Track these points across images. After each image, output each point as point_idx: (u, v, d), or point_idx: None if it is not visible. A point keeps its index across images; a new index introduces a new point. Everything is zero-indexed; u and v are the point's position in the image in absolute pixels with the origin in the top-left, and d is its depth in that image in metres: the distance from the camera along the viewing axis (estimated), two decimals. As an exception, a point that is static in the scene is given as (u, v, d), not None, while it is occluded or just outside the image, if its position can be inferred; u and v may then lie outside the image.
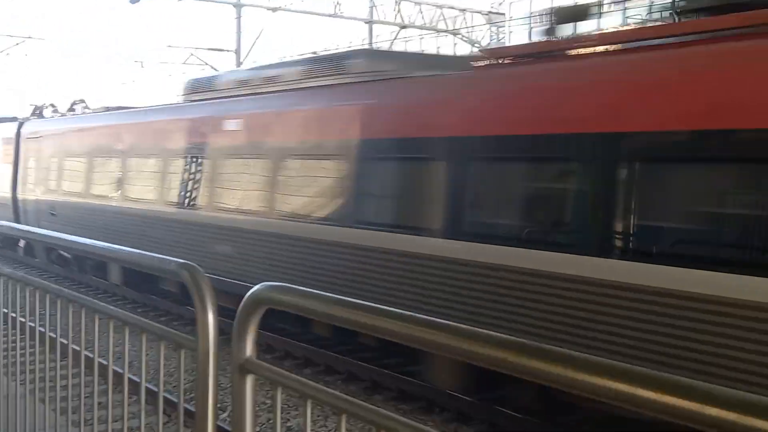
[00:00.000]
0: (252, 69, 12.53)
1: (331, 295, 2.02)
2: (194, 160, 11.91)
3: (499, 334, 1.59)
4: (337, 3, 28.36)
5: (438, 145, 7.90)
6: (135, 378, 7.59)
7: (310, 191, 9.65)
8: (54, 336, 3.68)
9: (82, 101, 18.48)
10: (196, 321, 2.54)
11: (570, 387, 1.42)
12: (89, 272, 15.67)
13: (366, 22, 30.62)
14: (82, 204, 15.23)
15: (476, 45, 29.90)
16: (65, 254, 16.65)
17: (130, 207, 13.50)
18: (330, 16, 28.59)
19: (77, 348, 3.44)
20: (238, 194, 10.83)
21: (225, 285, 10.36)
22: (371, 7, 30.29)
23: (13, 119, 20.28)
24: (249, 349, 2.28)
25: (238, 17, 28.52)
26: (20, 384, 4.06)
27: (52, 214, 16.45)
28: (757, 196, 5.36)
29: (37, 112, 19.37)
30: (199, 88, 12.95)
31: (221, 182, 11.25)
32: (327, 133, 9.47)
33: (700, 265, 5.56)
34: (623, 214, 6.10)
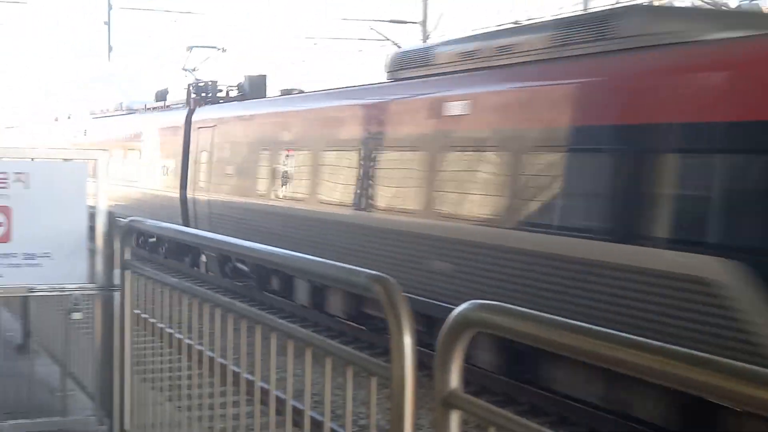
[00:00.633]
0: (480, 37, 11.77)
1: (563, 319, 2.00)
2: (417, 153, 11.09)
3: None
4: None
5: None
6: (318, 416, 7.57)
7: (581, 195, 8.77)
8: (224, 362, 3.89)
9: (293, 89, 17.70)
10: (390, 344, 2.60)
11: None
12: (272, 289, 15.44)
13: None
14: (280, 210, 14.39)
15: None
16: (242, 267, 16.41)
17: (374, 216, 11.99)
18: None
19: (251, 378, 3.61)
20: (476, 198, 10.03)
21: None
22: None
23: (181, 106, 20.21)
24: (454, 380, 2.31)
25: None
26: (178, 408, 4.34)
27: (240, 221, 15.82)
28: None
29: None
30: (410, 63, 12.30)
31: (460, 182, 10.40)
32: (601, 116, 8.74)
33: None
34: None
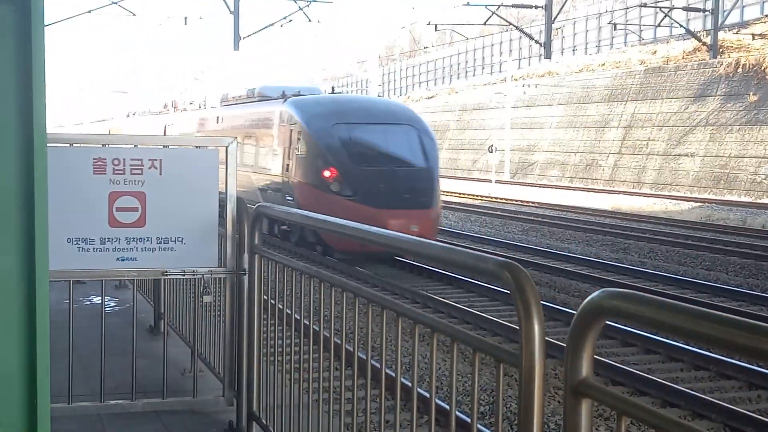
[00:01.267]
0: (235, 97, 29.43)
1: (703, 309, 1.96)
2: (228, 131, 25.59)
3: None
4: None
5: None
6: (443, 404, 7.29)
7: (262, 155, 22.75)
8: (349, 348, 3.96)
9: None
10: (520, 331, 2.61)
11: None
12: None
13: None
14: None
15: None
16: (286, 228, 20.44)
17: None
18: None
19: (363, 356, 3.67)
20: (247, 157, 23.40)
21: None
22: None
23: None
24: (585, 368, 2.30)
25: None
26: (305, 391, 4.43)
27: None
28: None
29: None
30: (223, 99, 29.86)
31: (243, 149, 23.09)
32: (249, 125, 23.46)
33: None
34: None
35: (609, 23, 50.99)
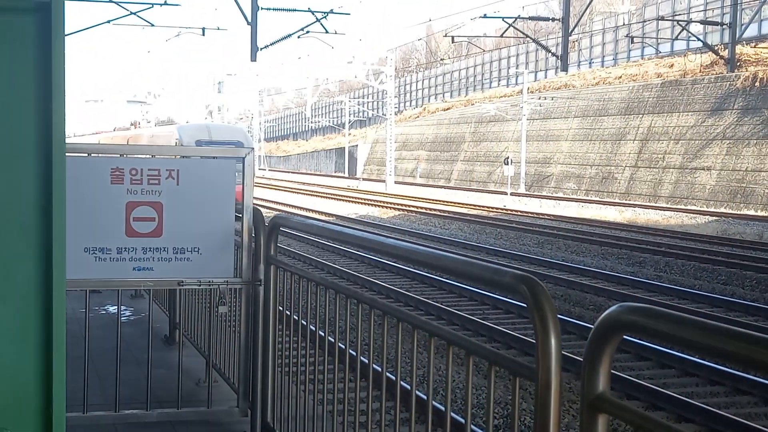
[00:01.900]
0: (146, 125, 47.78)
1: (725, 326, 1.95)
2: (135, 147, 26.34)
3: None
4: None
5: None
6: (458, 418, 7.31)
7: None
8: (364, 360, 3.96)
9: None
10: (536, 345, 2.59)
11: None
12: None
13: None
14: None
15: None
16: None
17: None
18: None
19: (378, 368, 3.67)
20: None
21: None
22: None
23: None
24: (602, 382, 2.29)
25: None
26: (320, 403, 4.43)
27: None
28: None
29: None
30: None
31: None
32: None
33: None
34: None
35: (626, 36, 50.96)
